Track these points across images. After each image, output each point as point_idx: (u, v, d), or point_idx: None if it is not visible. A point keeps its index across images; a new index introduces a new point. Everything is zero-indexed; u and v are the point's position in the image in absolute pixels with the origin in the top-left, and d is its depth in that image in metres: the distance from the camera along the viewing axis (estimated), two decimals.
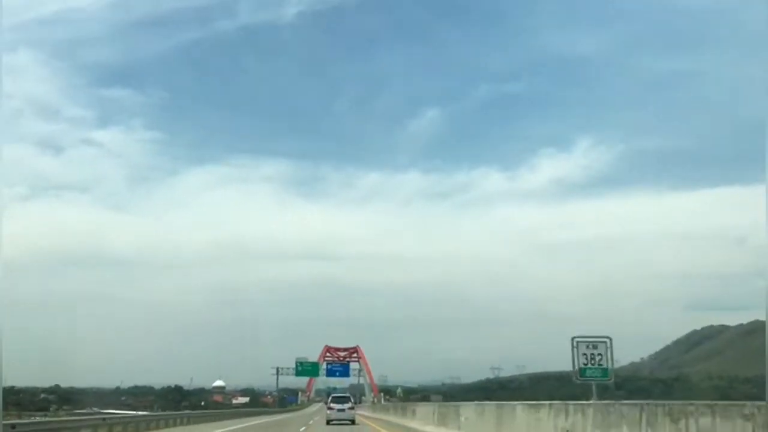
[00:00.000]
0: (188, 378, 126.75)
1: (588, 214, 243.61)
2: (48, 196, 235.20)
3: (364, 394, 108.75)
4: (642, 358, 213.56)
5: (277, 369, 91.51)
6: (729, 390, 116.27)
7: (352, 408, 34.84)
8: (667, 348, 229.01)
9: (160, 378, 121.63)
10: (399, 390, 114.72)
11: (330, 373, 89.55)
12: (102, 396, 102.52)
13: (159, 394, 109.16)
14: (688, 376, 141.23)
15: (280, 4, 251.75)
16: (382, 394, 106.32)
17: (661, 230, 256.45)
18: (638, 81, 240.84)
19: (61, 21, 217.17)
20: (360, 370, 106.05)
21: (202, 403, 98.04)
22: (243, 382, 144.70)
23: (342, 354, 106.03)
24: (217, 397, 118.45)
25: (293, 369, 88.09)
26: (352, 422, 33.06)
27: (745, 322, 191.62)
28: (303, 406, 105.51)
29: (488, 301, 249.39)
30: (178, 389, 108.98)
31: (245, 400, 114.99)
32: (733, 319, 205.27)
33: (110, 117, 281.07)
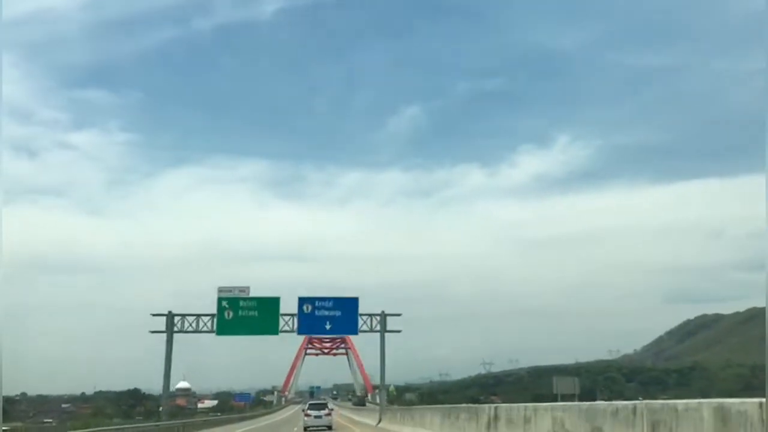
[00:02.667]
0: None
1: (568, 209, 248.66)
2: (23, 201, 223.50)
3: (355, 392, 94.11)
4: (635, 350, 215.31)
5: None
6: (752, 379, 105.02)
7: (329, 414, 36.07)
8: (660, 339, 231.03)
9: (137, 383, 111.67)
10: (392, 387, 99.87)
11: (307, 321, 53.97)
12: (44, 404, 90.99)
13: (112, 398, 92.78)
14: (705, 365, 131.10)
15: (258, 2, 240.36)
16: (378, 392, 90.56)
17: (639, 224, 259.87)
18: (616, 77, 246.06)
19: (33, 21, 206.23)
20: (350, 364, 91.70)
21: (160, 409, 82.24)
22: (223, 386, 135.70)
23: (327, 344, 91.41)
24: (181, 401, 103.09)
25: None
26: (329, 428, 34.40)
27: (741, 310, 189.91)
28: (272, 409, 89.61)
29: (471, 297, 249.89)
30: (133, 393, 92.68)
31: (213, 403, 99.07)
32: (712, 310, 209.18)
33: (86, 119, 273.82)
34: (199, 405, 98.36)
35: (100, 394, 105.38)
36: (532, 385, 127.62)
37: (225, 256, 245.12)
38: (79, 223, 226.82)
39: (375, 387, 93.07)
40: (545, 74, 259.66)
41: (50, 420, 69.14)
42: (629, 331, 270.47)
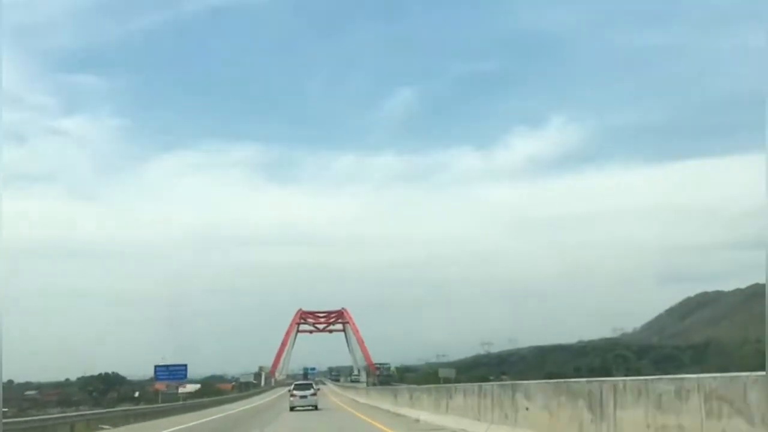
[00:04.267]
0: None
1: (562, 190, 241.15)
2: (13, 187, 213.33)
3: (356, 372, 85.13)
4: (634, 328, 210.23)
5: None
6: None
7: (314, 395, 36.65)
8: (661, 317, 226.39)
9: (122, 368, 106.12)
10: (392, 368, 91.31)
11: None
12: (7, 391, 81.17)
13: (81, 385, 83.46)
14: (720, 340, 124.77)
15: None
16: (379, 372, 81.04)
17: (634, 204, 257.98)
18: (611, 57, 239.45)
19: (20, 4, 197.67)
20: (348, 341, 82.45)
21: (136, 394, 73.53)
22: (217, 370, 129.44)
23: (322, 318, 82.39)
24: (159, 385, 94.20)
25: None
26: (315, 408, 34.93)
27: (743, 287, 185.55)
28: (253, 392, 78.46)
29: (466, 279, 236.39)
30: (104, 378, 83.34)
31: (195, 387, 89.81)
32: (707, 289, 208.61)
33: (75, 104, 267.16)
34: (180, 390, 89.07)
35: (81, 380, 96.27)
36: (536, 363, 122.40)
37: (218, 240, 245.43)
38: (71, 210, 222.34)
39: (378, 366, 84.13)
40: (539, 55, 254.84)
41: (6, 409, 59.72)
42: (624, 310, 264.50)
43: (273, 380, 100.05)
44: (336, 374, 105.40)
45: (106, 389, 77.68)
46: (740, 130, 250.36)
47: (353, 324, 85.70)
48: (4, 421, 19.75)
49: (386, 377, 68.46)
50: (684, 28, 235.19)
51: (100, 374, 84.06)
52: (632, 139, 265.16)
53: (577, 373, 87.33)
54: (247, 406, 43.81)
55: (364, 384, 69.50)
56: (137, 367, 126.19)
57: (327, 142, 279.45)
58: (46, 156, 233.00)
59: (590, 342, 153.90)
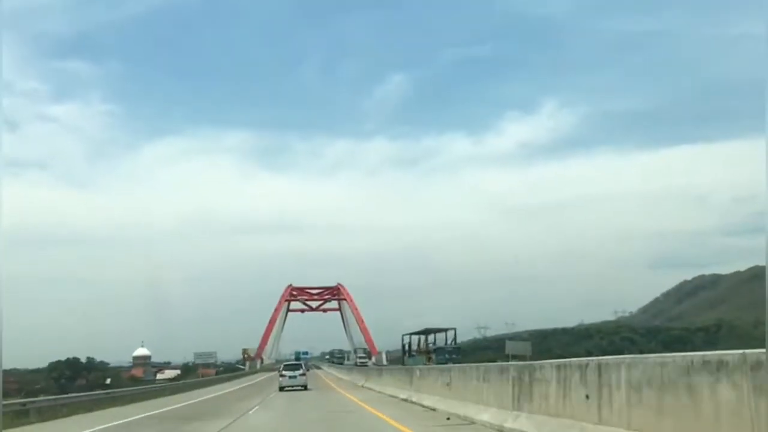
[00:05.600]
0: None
1: (555, 176, 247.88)
2: (5, 174, 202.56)
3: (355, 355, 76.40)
4: (631, 312, 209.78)
5: None
6: None
7: (303, 375, 36.99)
8: (657, 300, 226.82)
9: (106, 356, 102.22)
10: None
11: None
12: None
13: (47, 371, 75.06)
14: (732, 322, 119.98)
15: None
16: (384, 353, 72.11)
17: (626, 190, 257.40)
18: (604, 42, 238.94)
19: None
20: (344, 320, 73.52)
21: (108, 381, 65.46)
22: (209, 357, 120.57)
23: (315, 294, 73.69)
24: (136, 371, 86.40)
25: None
26: (305, 387, 35.30)
27: (742, 269, 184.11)
28: (232, 375, 68.82)
29: (458, 265, 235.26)
30: (72, 363, 75.00)
31: (174, 373, 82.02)
32: (702, 273, 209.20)
33: (66, 90, 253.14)
34: (159, 375, 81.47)
35: (49, 366, 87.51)
36: (537, 346, 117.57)
37: (211, 227, 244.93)
38: (62, 196, 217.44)
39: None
40: (532, 40, 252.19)
41: None
42: (618, 295, 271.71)
43: (259, 364, 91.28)
44: (339, 356, 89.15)
45: (73, 376, 69.76)
46: (733, 117, 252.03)
47: (351, 301, 76.95)
48: None
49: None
50: (676, 14, 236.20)
51: (68, 359, 75.72)
52: (625, 124, 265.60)
53: (591, 356, 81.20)
54: (207, 396, 34.45)
55: (371, 366, 59.98)
56: (121, 352, 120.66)
57: (320, 128, 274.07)
58: (38, 142, 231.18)
59: (592, 325, 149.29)
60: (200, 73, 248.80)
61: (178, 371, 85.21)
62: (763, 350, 5.35)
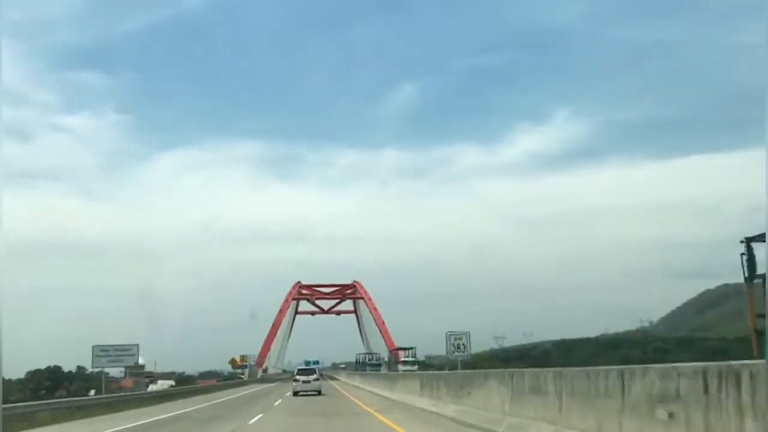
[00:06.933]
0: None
1: (566, 186, 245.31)
2: (17, 185, 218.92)
3: (374, 364, 65.17)
4: (651, 322, 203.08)
5: None
6: None
7: (317, 380, 37.07)
8: (678, 310, 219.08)
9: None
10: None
11: None
12: None
13: (24, 381, 67.12)
14: None
15: None
16: (410, 356, 60.13)
17: (637, 200, 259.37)
18: (615, 52, 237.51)
19: (21, 1, 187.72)
20: (360, 323, 64.02)
21: (92, 393, 57.25)
22: (216, 366, 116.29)
23: (327, 293, 64.49)
24: (126, 382, 78.34)
25: None
26: (319, 393, 35.57)
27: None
28: (216, 387, 56.74)
29: (471, 275, 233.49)
30: (53, 372, 67.08)
31: (168, 384, 73.80)
32: (709, 285, 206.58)
33: (79, 101, 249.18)
34: (151, 387, 73.35)
35: (27, 375, 79.52)
36: (563, 357, 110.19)
37: (222, 237, 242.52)
38: (75, 207, 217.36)
39: (401, 350, 64.33)
40: (543, 50, 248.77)
41: None
42: (631, 305, 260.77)
43: (260, 372, 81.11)
44: (374, 362, 69.46)
45: (53, 386, 62.02)
46: (746, 125, 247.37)
47: (369, 300, 67.36)
48: None
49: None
50: (689, 22, 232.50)
51: (48, 368, 67.74)
52: (636, 133, 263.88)
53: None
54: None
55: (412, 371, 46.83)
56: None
57: (330, 137, 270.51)
58: (51, 153, 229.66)
59: (617, 334, 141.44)
60: (211, 84, 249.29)
61: (172, 382, 77.28)
62: None
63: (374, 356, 64.29)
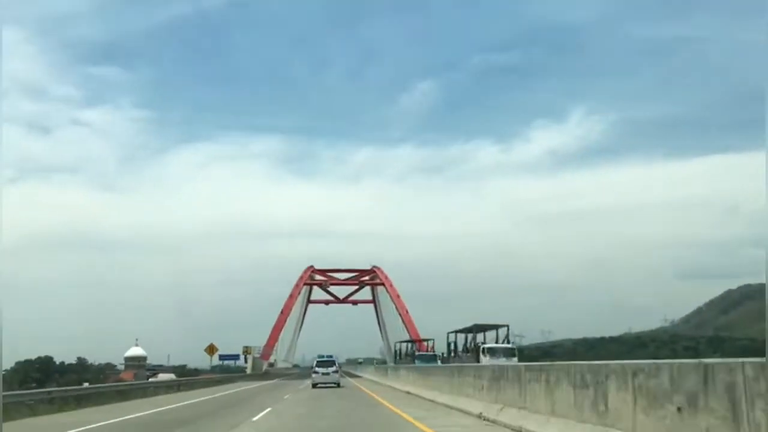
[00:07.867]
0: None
1: (583, 184, 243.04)
2: (36, 178, 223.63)
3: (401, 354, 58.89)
4: (672, 321, 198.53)
5: None
6: None
7: (336, 372, 37.00)
8: (700, 310, 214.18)
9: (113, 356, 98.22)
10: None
11: None
12: None
13: (13, 371, 61.84)
14: None
15: None
16: (438, 349, 52.89)
17: (654, 199, 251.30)
18: (632, 49, 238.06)
19: None
20: (378, 313, 57.22)
21: (85, 384, 51.91)
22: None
23: (342, 279, 58.12)
24: (126, 374, 73.59)
25: None
26: (337, 385, 36.01)
27: None
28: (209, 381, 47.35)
29: (487, 273, 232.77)
30: (44, 363, 61.83)
31: (169, 377, 68.50)
32: (727, 286, 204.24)
33: (98, 96, 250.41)
34: (151, 379, 68.34)
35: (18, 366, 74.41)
36: (590, 356, 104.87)
37: (239, 233, 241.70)
38: (94, 201, 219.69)
39: (425, 341, 57.08)
40: (560, 47, 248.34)
41: None
42: (649, 304, 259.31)
43: (265, 366, 74.93)
44: (398, 351, 61.63)
45: (43, 378, 56.89)
46: (764, 124, 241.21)
47: (391, 287, 60.52)
48: None
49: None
50: (707, 19, 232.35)
51: (39, 358, 62.29)
52: (653, 132, 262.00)
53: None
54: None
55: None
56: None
57: (347, 134, 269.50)
58: (70, 147, 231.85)
59: (642, 333, 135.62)
60: (229, 80, 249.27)
61: (173, 375, 72.06)
62: None
63: (428, 343, 55.69)
